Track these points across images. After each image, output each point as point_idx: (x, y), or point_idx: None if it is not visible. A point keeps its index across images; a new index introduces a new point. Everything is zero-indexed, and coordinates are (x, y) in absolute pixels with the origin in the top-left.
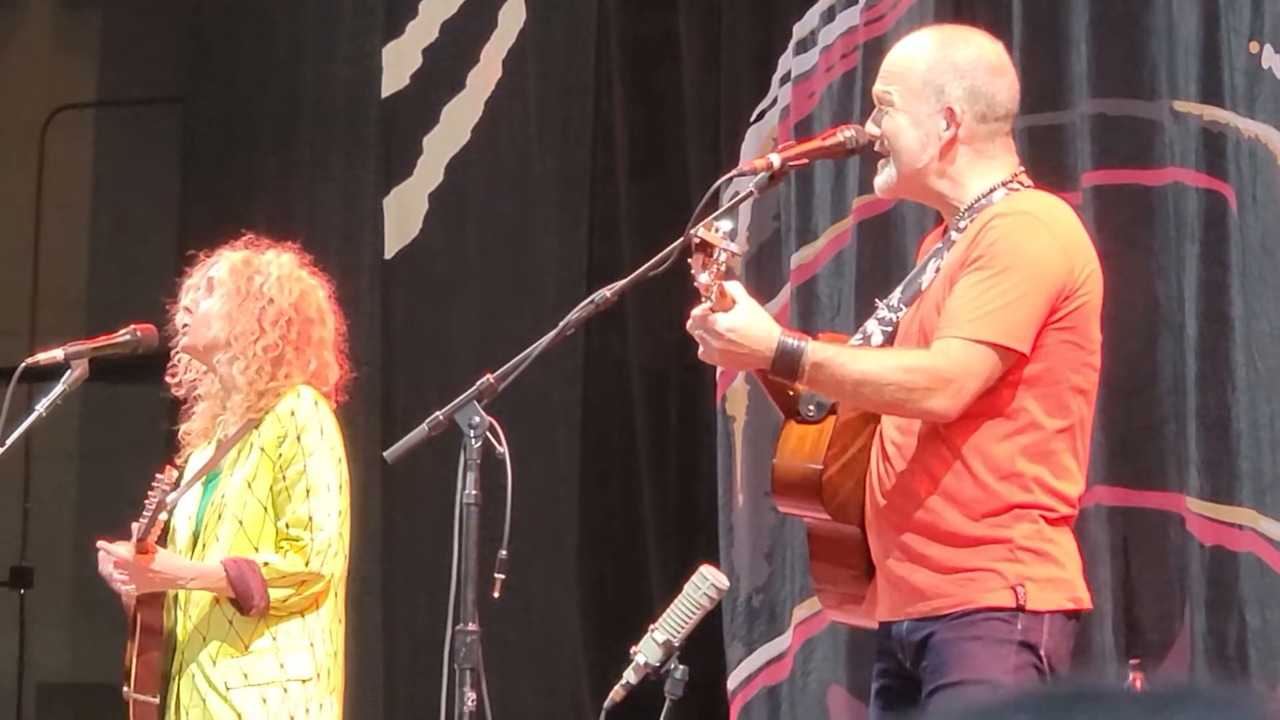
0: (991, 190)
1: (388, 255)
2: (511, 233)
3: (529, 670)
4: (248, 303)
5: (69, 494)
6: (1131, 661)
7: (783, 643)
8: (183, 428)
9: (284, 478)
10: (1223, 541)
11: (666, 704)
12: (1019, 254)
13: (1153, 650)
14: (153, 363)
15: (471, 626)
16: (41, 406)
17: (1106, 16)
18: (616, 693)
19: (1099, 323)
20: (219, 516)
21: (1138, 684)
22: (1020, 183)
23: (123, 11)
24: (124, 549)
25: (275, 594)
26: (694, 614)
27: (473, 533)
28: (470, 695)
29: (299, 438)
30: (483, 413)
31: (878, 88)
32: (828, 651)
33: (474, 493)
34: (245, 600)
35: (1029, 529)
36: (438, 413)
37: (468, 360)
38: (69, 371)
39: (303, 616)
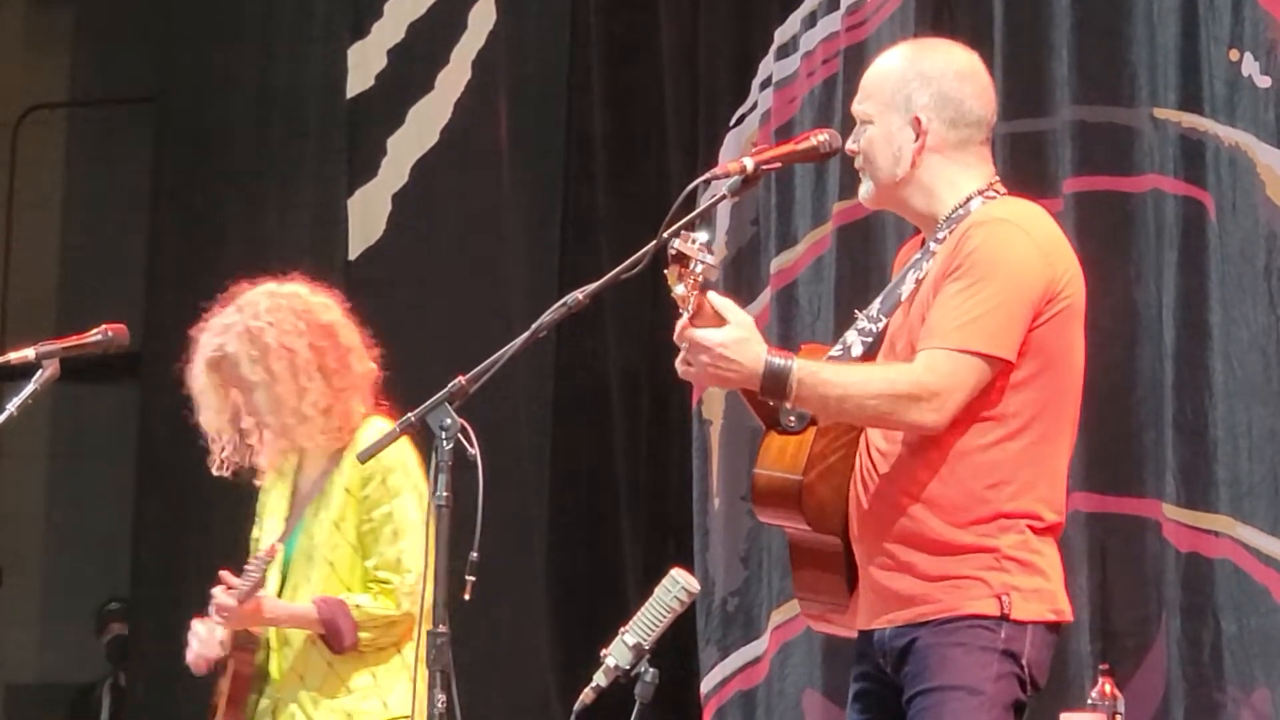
0: (968, 199)
1: (351, 256)
2: (481, 235)
3: (499, 672)
4: (278, 381)
5: (38, 494)
6: (1101, 667)
7: (759, 646)
8: (259, 463)
9: (371, 519)
10: (1198, 548)
11: (636, 707)
12: (999, 261)
13: (1129, 656)
14: (123, 364)
15: (442, 628)
16: (13, 406)
17: (1088, 23)
18: (586, 695)
19: (1082, 326)
20: (309, 559)
21: (1105, 689)
22: (996, 191)
23: (94, 12)
24: (229, 599)
25: (364, 635)
26: (665, 617)
27: (444, 534)
28: (440, 697)
29: (384, 480)
30: (454, 414)
31: (855, 106)
32: (804, 655)
33: (445, 494)
34: (335, 639)
35: (1016, 539)
36: (410, 414)
37: (435, 363)
38: (40, 371)
39: (400, 651)
